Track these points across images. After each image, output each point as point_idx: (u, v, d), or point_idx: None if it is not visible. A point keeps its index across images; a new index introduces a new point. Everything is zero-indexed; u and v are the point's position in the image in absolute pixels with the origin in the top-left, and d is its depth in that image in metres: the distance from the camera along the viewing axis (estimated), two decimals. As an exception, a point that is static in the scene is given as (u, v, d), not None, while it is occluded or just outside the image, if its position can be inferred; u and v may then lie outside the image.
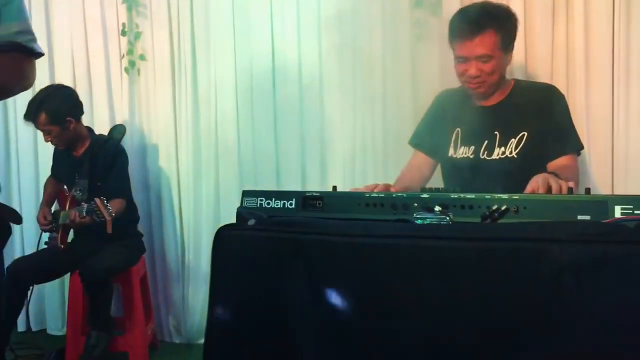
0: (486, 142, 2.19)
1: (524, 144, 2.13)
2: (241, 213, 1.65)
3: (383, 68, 3.00)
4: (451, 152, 2.26)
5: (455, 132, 2.26)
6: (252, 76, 3.28)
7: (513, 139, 2.15)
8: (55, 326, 3.75)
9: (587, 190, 1.43)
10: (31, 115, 3.03)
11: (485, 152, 2.19)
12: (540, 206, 1.34)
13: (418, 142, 2.42)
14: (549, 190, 1.59)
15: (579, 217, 1.29)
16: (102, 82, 3.55)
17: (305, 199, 1.60)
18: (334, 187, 1.70)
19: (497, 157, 2.17)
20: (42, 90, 3.10)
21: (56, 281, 3.51)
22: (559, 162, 2.10)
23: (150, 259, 3.52)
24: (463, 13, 2.15)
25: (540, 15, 2.74)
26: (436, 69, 2.90)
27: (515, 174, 2.05)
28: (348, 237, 1.35)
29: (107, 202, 2.74)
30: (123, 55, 3.49)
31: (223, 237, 1.55)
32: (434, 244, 1.25)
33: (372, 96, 3.04)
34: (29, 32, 1.57)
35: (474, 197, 1.41)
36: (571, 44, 2.72)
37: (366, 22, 3.01)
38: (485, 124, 2.19)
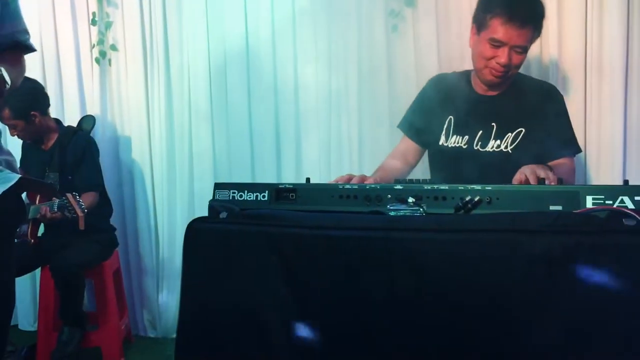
0: (481, 132, 2.12)
1: (520, 140, 2.07)
2: (213, 206, 1.62)
3: (358, 58, 2.99)
4: (442, 140, 2.18)
5: (448, 119, 2.17)
6: (226, 66, 3.25)
7: (510, 134, 2.09)
8: (27, 322, 3.69)
9: (560, 181, 1.44)
10: None
11: (479, 143, 2.12)
12: (512, 197, 1.34)
13: (405, 126, 2.33)
14: (539, 180, 1.57)
15: (551, 208, 1.29)
16: (72, 73, 3.48)
17: (278, 191, 1.58)
18: (308, 179, 1.68)
19: (492, 150, 2.10)
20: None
21: (27, 276, 3.45)
22: (556, 162, 2.06)
23: (124, 253, 3.47)
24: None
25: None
26: (411, 60, 2.90)
27: (508, 169, 1.99)
28: (320, 229, 1.34)
29: (79, 198, 2.68)
30: (94, 45, 3.42)
31: (195, 231, 1.53)
32: (406, 236, 1.24)
33: (347, 86, 3.02)
34: (25, 30, 1.63)
35: (447, 188, 1.41)
36: (544, 35, 2.72)
37: (340, 11, 2.99)
38: (483, 114, 2.13)
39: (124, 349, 3.18)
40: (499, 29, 1.96)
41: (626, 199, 1.24)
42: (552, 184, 1.55)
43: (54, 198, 2.79)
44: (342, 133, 3.05)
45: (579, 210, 1.25)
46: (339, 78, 3.04)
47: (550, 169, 1.71)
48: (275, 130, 3.20)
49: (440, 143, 2.19)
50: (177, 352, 1.53)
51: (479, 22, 2.04)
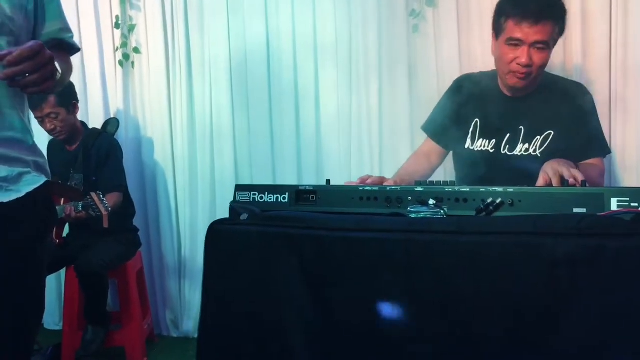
0: (508, 135, 2.07)
1: (549, 143, 2.02)
2: (234, 208, 1.63)
3: (379, 58, 2.98)
4: (468, 143, 2.13)
5: (474, 122, 2.13)
6: (247, 68, 3.26)
7: (539, 137, 2.03)
8: (53, 321, 3.75)
9: (584, 183, 1.41)
10: (37, 97, 2.95)
11: (507, 147, 2.07)
12: (535, 199, 1.32)
13: (429, 128, 2.28)
14: (562, 182, 1.53)
15: (575, 210, 1.27)
16: (96, 76, 3.53)
17: (299, 193, 1.58)
18: (328, 181, 1.68)
19: (519, 154, 2.05)
20: None
21: (52, 276, 3.50)
22: (586, 162, 2.01)
23: (147, 254, 3.50)
24: None
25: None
26: (433, 60, 2.88)
27: (536, 173, 1.96)
28: (341, 231, 1.34)
29: (103, 197, 2.72)
30: (117, 48, 3.46)
31: (216, 232, 1.54)
32: (426, 238, 1.23)
33: (368, 87, 3.01)
34: (68, 29, 1.64)
35: (468, 190, 1.39)
36: (568, 38, 2.69)
37: (361, 11, 2.99)
38: (510, 116, 2.07)
39: (147, 349, 3.21)
40: (514, 29, 1.93)
41: (652, 201, 1.22)
42: (577, 184, 1.51)
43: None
44: (363, 134, 3.04)
45: (603, 213, 1.24)
46: (359, 78, 3.04)
47: (576, 165, 1.67)
48: (296, 132, 3.20)
49: (466, 146, 2.14)
50: (199, 354, 1.54)
51: (496, 28, 2.02)
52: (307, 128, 3.18)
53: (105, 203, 2.68)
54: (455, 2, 2.81)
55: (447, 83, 2.38)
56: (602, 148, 2.08)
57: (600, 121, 2.55)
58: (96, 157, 3.08)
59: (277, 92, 3.21)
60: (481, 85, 2.17)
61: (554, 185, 1.54)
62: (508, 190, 1.35)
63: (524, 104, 2.08)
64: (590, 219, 1.16)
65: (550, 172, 1.58)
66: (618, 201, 1.24)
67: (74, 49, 1.64)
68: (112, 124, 3.29)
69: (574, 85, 2.14)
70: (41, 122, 3.06)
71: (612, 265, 1.10)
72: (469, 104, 2.16)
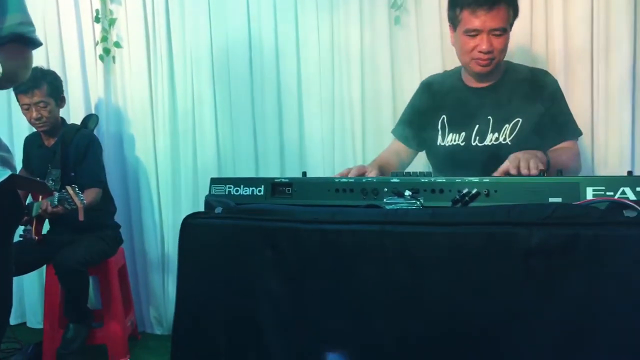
0: (477, 126, 2.09)
1: (518, 130, 2.04)
2: (209, 201, 1.62)
3: (361, 49, 2.95)
4: (439, 140, 2.16)
5: (441, 119, 2.16)
6: (229, 61, 3.23)
7: (507, 125, 2.05)
8: (35, 319, 3.70)
9: (559, 172, 1.40)
10: (31, 84, 2.93)
11: (477, 138, 2.09)
12: (511, 189, 1.31)
13: (397, 131, 2.34)
14: (519, 172, 1.55)
15: (551, 200, 1.26)
16: (76, 70, 3.47)
17: (274, 186, 1.57)
18: (304, 173, 1.66)
19: (490, 143, 2.07)
20: (35, 68, 3.04)
21: (35, 274, 3.45)
22: (559, 145, 2.03)
23: (129, 250, 3.47)
24: None
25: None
26: (415, 52, 2.87)
27: None
28: (315, 223, 1.33)
29: (78, 190, 2.68)
30: (97, 43, 3.41)
31: (189, 226, 1.53)
32: (401, 230, 1.22)
33: (350, 78, 2.99)
34: (30, 23, 1.59)
35: (444, 181, 1.38)
36: (550, 31, 2.67)
37: (343, 2, 2.96)
38: (477, 108, 2.10)
39: (130, 346, 3.18)
40: (470, 19, 1.98)
41: (628, 190, 1.21)
42: (532, 173, 1.51)
43: (54, 192, 2.79)
44: (346, 126, 3.02)
45: (578, 202, 1.23)
46: (341, 70, 3.01)
47: (546, 156, 1.68)
48: (279, 124, 3.17)
49: (438, 143, 2.17)
50: (174, 347, 1.52)
51: (452, 20, 2.07)
52: (290, 121, 3.15)
53: (80, 196, 2.65)
54: (437, -6, 2.80)
55: (430, 75, 2.39)
56: (573, 130, 2.10)
57: (584, 109, 2.58)
58: (75, 152, 3.04)
59: (259, 84, 3.18)
60: (445, 83, 2.21)
61: (511, 173, 1.55)
62: (484, 180, 1.34)
63: (490, 94, 2.11)
64: (565, 208, 1.15)
65: (509, 160, 1.59)
66: (594, 190, 1.23)
67: (35, 44, 1.60)
68: (91, 120, 3.25)
69: (538, 72, 2.17)
70: (27, 110, 3.01)
71: (587, 254, 1.09)
72: (434, 103, 2.21)
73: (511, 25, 2.02)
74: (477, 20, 1.96)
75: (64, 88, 3.39)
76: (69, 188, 2.65)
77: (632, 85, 2.56)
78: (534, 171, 1.51)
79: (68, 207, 2.65)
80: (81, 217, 2.62)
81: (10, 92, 3.21)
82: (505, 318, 1.15)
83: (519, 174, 1.55)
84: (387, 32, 2.91)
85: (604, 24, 2.58)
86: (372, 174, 1.83)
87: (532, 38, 2.69)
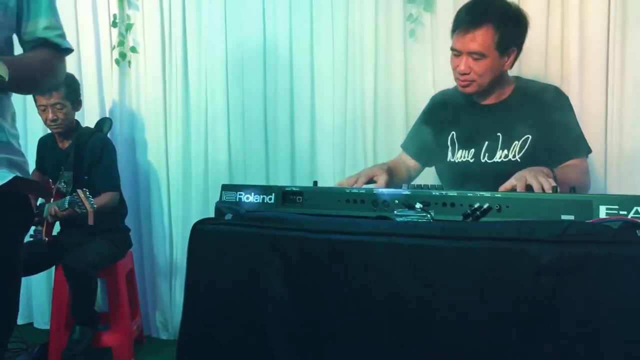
0: (486, 143, 2.08)
1: (528, 147, 2.02)
2: (219, 207, 1.62)
3: (375, 61, 2.95)
4: (449, 156, 2.16)
5: (451, 135, 2.15)
6: (244, 70, 3.25)
7: (517, 142, 2.04)
8: (42, 320, 3.72)
9: (572, 190, 1.39)
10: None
11: (487, 155, 2.08)
12: (523, 205, 1.30)
13: (407, 146, 2.34)
14: (528, 188, 1.53)
15: (563, 217, 1.25)
16: (92, 74, 3.51)
17: (285, 194, 1.57)
18: (315, 182, 1.66)
19: (500, 160, 2.06)
20: None
21: (43, 275, 3.47)
22: (567, 163, 2.01)
23: (138, 255, 3.48)
24: (468, 4, 2.05)
25: (534, 12, 2.68)
26: (429, 65, 2.87)
27: None
28: (324, 233, 1.32)
29: (89, 194, 2.69)
30: (114, 47, 3.45)
31: (199, 232, 1.53)
32: (410, 242, 1.21)
33: (363, 89, 2.99)
34: (57, 27, 1.57)
35: (456, 194, 1.38)
36: (566, 42, 2.67)
37: (358, 13, 2.97)
38: (487, 124, 2.09)
39: (136, 350, 3.18)
40: (454, 40, 2.03)
41: (641, 209, 1.19)
42: (545, 191, 1.49)
43: (58, 194, 2.80)
44: (357, 138, 3.02)
45: (591, 220, 1.21)
46: (355, 82, 3.01)
47: (552, 173, 1.67)
48: (291, 133, 3.18)
49: (447, 159, 2.16)
50: (179, 353, 1.52)
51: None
52: (302, 130, 3.16)
53: (91, 200, 2.66)
54: (453, 8, 2.78)
55: (440, 90, 2.39)
56: (582, 148, 2.07)
57: (596, 125, 2.55)
58: (89, 156, 3.06)
59: (273, 92, 3.19)
60: (455, 98, 2.20)
61: (517, 190, 1.53)
62: (495, 195, 1.33)
63: (500, 111, 2.10)
64: (577, 225, 1.14)
65: (515, 177, 1.58)
66: (607, 209, 1.22)
67: (62, 49, 1.59)
68: (106, 123, 3.28)
69: (548, 88, 2.15)
70: (43, 111, 3.04)
71: (598, 274, 1.08)
72: (444, 118, 2.20)
73: (503, 50, 1.99)
74: (458, 41, 2.00)
75: (80, 90, 3.43)
76: (79, 191, 2.67)
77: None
78: (547, 187, 1.49)
79: (78, 211, 2.67)
80: (91, 221, 2.64)
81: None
82: (515, 335, 1.14)
83: (527, 190, 1.53)
84: (401, 44, 2.91)
85: (620, 48, 2.56)
86: (381, 178, 1.84)
87: (547, 55, 2.68)
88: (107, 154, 3.10)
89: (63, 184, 2.98)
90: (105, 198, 2.97)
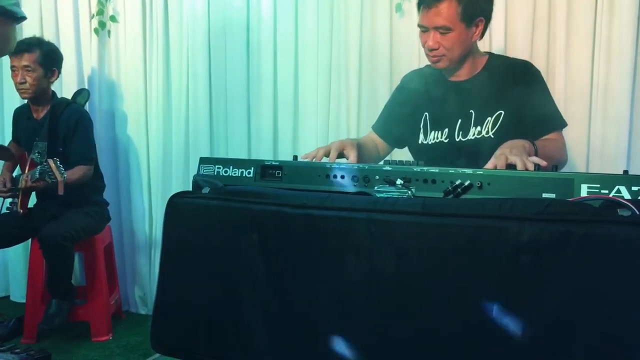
0: (460, 121, 2.05)
1: (501, 122, 2.00)
2: (197, 181, 1.59)
3: (360, 36, 2.90)
4: (421, 138, 2.13)
5: (424, 116, 2.12)
6: (226, 40, 3.18)
7: (489, 117, 2.02)
8: (19, 293, 3.66)
9: (554, 168, 1.38)
10: (23, 47, 2.91)
11: (460, 133, 2.05)
12: (504, 183, 1.29)
13: (377, 128, 2.30)
14: (510, 167, 1.50)
15: (544, 195, 1.24)
16: (70, 43, 3.42)
17: (264, 169, 1.54)
18: (295, 157, 1.64)
19: (473, 137, 2.03)
20: (34, 36, 3.09)
21: (20, 247, 3.42)
22: (545, 137, 1.98)
23: (117, 229, 3.43)
24: None
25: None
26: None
27: (493, 155, 1.97)
28: (302, 208, 1.30)
29: (60, 164, 2.63)
30: (93, 16, 3.36)
31: (175, 205, 1.50)
32: (389, 218, 1.20)
33: (348, 64, 2.95)
34: None
35: (437, 171, 1.36)
36: (552, 21, 2.64)
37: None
38: (459, 101, 2.07)
39: (113, 325, 3.15)
40: (421, 15, 1.99)
41: (623, 188, 1.18)
42: (527, 168, 1.45)
43: (36, 165, 2.75)
44: (341, 115, 2.98)
45: (572, 199, 1.20)
46: (339, 58, 2.96)
47: (534, 146, 1.65)
48: (274, 109, 3.13)
49: (420, 142, 2.13)
50: (153, 325, 1.50)
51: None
52: (285, 106, 3.11)
53: (61, 169, 2.60)
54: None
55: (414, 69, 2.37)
56: (558, 121, 2.06)
57: (579, 109, 2.54)
58: (64, 127, 2.99)
59: (256, 64, 3.14)
60: (427, 78, 2.17)
61: (498, 168, 1.49)
62: (477, 172, 1.32)
63: (471, 87, 2.07)
64: (558, 204, 1.13)
65: (496, 156, 1.54)
66: (588, 187, 1.21)
67: (13, 17, 1.59)
68: (82, 94, 3.20)
69: (520, 63, 2.14)
70: (13, 72, 2.98)
71: (578, 252, 1.07)
72: (416, 99, 2.17)
73: (469, 21, 1.96)
74: (423, 16, 1.97)
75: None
76: (50, 161, 2.61)
77: (632, 82, 2.53)
78: (530, 166, 1.46)
79: (48, 181, 2.61)
80: (61, 191, 2.59)
81: (6, 61, 3.17)
82: (492, 314, 1.13)
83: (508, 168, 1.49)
84: (387, 19, 2.86)
85: (607, 18, 2.54)
86: (352, 153, 1.82)
87: (533, 31, 2.66)
88: (82, 125, 3.03)
89: (37, 154, 2.92)
90: (78, 172, 2.91)
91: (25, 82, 2.96)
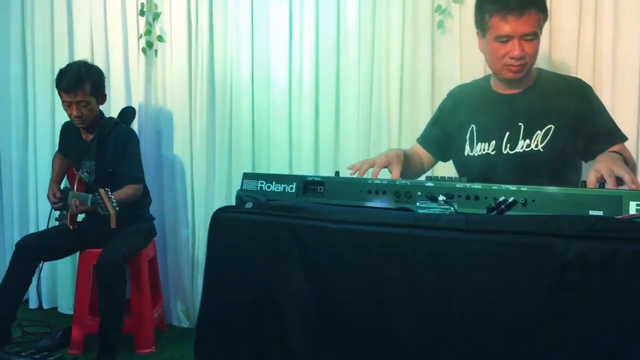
0: (508, 133, 2.04)
1: (551, 137, 1.98)
2: (240, 196, 1.62)
3: (401, 53, 2.91)
4: (467, 150, 2.12)
5: (470, 128, 2.11)
6: (270, 59, 3.23)
7: (539, 131, 2.00)
8: (67, 305, 3.75)
9: (602, 185, 1.35)
10: (74, 83, 2.92)
11: (508, 146, 2.03)
12: (550, 199, 1.27)
13: (422, 141, 2.30)
14: (619, 181, 1.46)
15: (591, 213, 1.21)
16: (119, 62, 3.53)
17: (306, 184, 1.56)
18: (337, 173, 1.64)
19: (522, 150, 2.01)
20: (74, 64, 3.06)
21: (68, 260, 3.52)
22: (614, 148, 1.92)
23: (161, 244, 3.49)
24: None
25: (567, 9, 2.62)
26: (456, 57, 2.82)
27: (542, 168, 1.93)
28: (343, 223, 1.31)
29: (111, 194, 2.69)
30: (141, 36, 3.46)
31: (219, 220, 1.53)
32: (431, 234, 1.19)
33: (389, 81, 2.96)
34: None
35: (480, 187, 1.35)
36: (599, 39, 2.59)
37: (386, 5, 2.93)
38: (508, 114, 2.05)
39: (157, 338, 3.20)
40: (500, 25, 1.92)
41: (674, 206, 1.15)
42: (633, 186, 1.42)
43: (88, 193, 2.83)
44: (382, 130, 2.98)
45: (621, 216, 1.17)
46: (380, 74, 2.98)
47: (626, 163, 1.62)
48: (315, 124, 3.16)
49: (466, 154, 2.12)
50: (197, 338, 1.52)
51: (481, 25, 2.02)
52: (326, 123, 3.13)
53: (113, 201, 2.65)
54: (483, -1, 2.74)
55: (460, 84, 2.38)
56: (619, 135, 2.02)
57: (631, 113, 2.52)
58: (113, 147, 3.05)
59: (298, 84, 3.18)
60: (473, 92, 2.18)
61: (608, 186, 1.44)
62: (521, 189, 1.30)
63: (521, 101, 2.06)
64: (606, 221, 1.10)
65: (604, 171, 1.50)
66: (637, 205, 1.18)
67: None
68: (129, 112, 3.26)
69: (572, 79, 2.14)
70: (68, 106, 3.00)
71: (625, 271, 1.04)
72: (463, 111, 2.16)
73: (541, 28, 1.97)
74: (507, 25, 1.91)
75: (107, 80, 3.46)
76: (102, 192, 2.66)
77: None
78: (629, 179, 1.43)
79: (100, 212, 2.67)
80: (113, 225, 2.64)
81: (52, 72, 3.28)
82: (535, 332, 1.11)
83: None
84: (429, 36, 2.87)
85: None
86: (396, 169, 1.81)
87: (578, 47, 2.62)
88: (131, 145, 3.09)
89: (85, 173, 2.96)
90: (128, 190, 2.97)
91: (82, 115, 2.98)
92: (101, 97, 3.09)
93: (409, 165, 2.01)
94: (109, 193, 2.68)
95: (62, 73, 2.99)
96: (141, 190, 3.09)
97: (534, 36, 1.93)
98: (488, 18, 1.96)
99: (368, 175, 1.72)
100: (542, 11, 1.95)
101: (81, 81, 2.94)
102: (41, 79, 3.71)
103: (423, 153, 2.27)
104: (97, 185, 2.83)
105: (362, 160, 1.82)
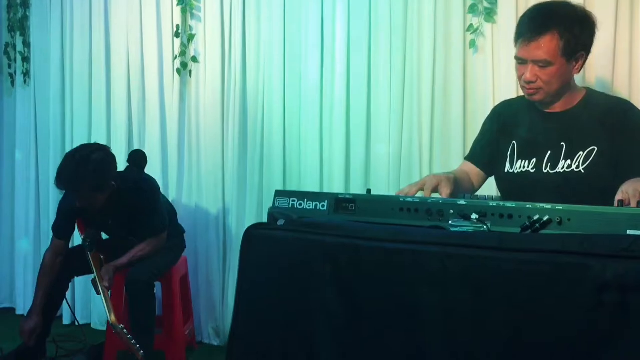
0: (549, 153, 2.01)
1: (593, 159, 1.94)
2: (272, 213, 1.63)
3: (433, 72, 2.92)
4: (507, 167, 2.10)
5: (512, 145, 2.10)
6: (301, 80, 3.27)
7: (581, 152, 1.96)
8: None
9: (639, 203, 1.32)
10: (70, 187, 2.76)
11: (549, 165, 2.00)
12: (586, 218, 1.24)
13: (473, 156, 2.28)
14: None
15: (629, 232, 1.19)
16: (154, 82, 3.61)
17: (338, 202, 1.56)
18: (368, 190, 1.64)
19: (562, 170, 1.98)
20: (72, 162, 2.73)
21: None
22: None
23: (192, 260, 3.53)
24: (531, 11, 1.99)
25: (601, 16, 2.59)
26: (489, 76, 2.80)
27: (581, 190, 1.88)
28: (376, 241, 1.30)
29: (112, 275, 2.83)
30: (176, 57, 3.54)
31: (251, 237, 1.54)
32: (465, 253, 1.18)
33: (420, 99, 2.96)
34: None
35: (514, 206, 1.33)
36: (635, 45, 2.56)
37: (417, 24, 2.95)
38: (551, 133, 2.02)
39: (187, 355, 3.21)
40: (519, 47, 1.95)
41: None
42: None
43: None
44: (414, 149, 2.98)
45: (660, 236, 1.15)
46: (412, 93, 2.98)
47: None
48: (346, 142, 3.18)
49: (506, 170, 2.10)
50: (228, 356, 1.53)
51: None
52: (357, 141, 3.15)
53: (130, 339, 2.69)
54: (515, 18, 2.72)
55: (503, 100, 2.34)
56: None
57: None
58: (127, 213, 2.95)
59: (329, 103, 3.20)
60: (517, 108, 2.15)
61: (632, 206, 1.43)
62: (556, 207, 1.28)
63: (565, 120, 2.02)
64: (644, 241, 1.08)
65: (630, 191, 1.49)
66: (677, 225, 1.15)
67: None
68: (141, 157, 3.07)
69: (621, 102, 2.08)
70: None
71: (666, 292, 1.01)
72: (505, 127, 2.15)
73: (570, 55, 1.91)
74: (522, 49, 1.93)
75: (142, 100, 3.55)
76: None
77: None
78: None
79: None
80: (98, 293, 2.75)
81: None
82: (572, 355, 1.09)
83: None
84: (461, 55, 2.87)
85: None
86: (445, 191, 1.78)
87: (614, 60, 2.59)
88: (153, 202, 2.98)
89: (87, 243, 2.92)
90: (153, 243, 2.96)
91: (87, 207, 2.83)
92: (107, 187, 2.80)
93: (459, 186, 1.99)
94: (132, 341, 2.68)
95: (58, 173, 2.74)
96: (165, 236, 3.03)
97: (546, 63, 1.89)
98: (515, 40, 1.99)
99: None
100: (567, 35, 1.88)
101: (76, 184, 2.71)
102: (79, 99, 3.81)
103: (473, 171, 2.24)
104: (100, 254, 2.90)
105: (410, 185, 1.80)
